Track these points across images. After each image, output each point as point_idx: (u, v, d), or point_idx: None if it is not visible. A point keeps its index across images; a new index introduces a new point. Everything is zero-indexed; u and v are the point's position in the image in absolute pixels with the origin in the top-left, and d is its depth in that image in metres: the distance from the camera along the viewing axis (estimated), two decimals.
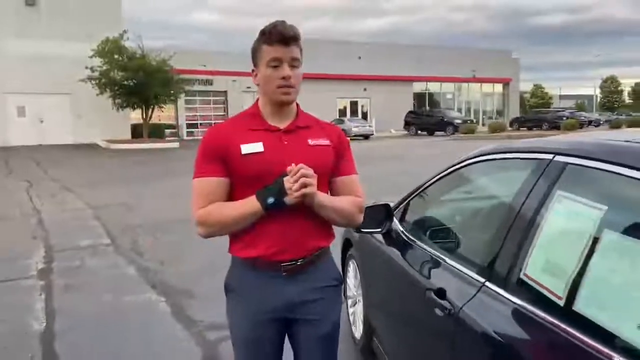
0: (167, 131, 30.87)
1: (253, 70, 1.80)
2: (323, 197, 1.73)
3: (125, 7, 28.96)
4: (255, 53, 1.76)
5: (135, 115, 28.27)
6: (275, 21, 1.73)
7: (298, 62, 1.75)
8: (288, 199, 1.65)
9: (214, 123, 34.13)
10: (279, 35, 1.69)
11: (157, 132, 28.48)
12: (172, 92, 25.99)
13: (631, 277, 1.24)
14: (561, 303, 1.38)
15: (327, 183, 1.82)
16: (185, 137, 32.07)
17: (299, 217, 1.72)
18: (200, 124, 34.62)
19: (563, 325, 1.34)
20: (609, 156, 1.43)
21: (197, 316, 4.12)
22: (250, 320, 1.83)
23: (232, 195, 1.77)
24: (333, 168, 1.82)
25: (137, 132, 27.81)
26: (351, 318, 3.58)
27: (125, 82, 24.56)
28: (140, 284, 5.01)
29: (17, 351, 3.56)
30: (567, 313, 1.34)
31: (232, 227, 1.76)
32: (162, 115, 30.49)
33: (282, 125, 1.79)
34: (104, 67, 24.14)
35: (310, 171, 1.65)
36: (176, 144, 25.34)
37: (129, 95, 24.87)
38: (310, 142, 1.78)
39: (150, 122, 27.18)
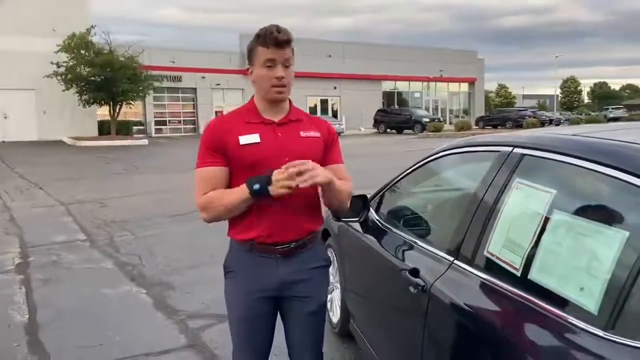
0: (135, 128, 30.53)
1: (248, 68, 1.97)
2: (330, 174, 1.89)
3: (93, 1, 28.40)
4: (251, 53, 1.94)
5: (102, 112, 27.87)
6: (270, 25, 1.90)
7: (290, 64, 1.93)
8: (271, 189, 1.81)
9: (183, 120, 33.95)
10: (273, 40, 1.86)
11: (124, 129, 28.15)
12: (140, 88, 25.72)
13: (575, 249, 1.47)
14: (518, 274, 1.61)
15: None
16: (153, 134, 31.77)
17: (291, 203, 1.91)
18: (169, 121, 34.33)
19: (520, 292, 1.57)
20: (558, 148, 1.67)
21: (179, 306, 4.26)
22: (246, 299, 2.00)
23: (231, 182, 1.95)
24: (323, 157, 2.01)
25: (104, 129, 27.42)
26: (328, 304, 3.78)
27: (92, 78, 24.20)
28: (119, 277, 5.10)
29: (3, 340, 3.63)
30: (523, 282, 1.58)
31: (230, 212, 1.93)
32: (128, 112, 30.14)
33: (276, 119, 1.97)
34: (71, 63, 23.73)
35: (310, 164, 1.79)
36: (145, 141, 25.11)
37: (96, 92, 24.51)
38: (302, 134, 1.97)
39: (118, 119, 26.84)
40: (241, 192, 1.86)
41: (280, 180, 1.77)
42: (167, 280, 4.95)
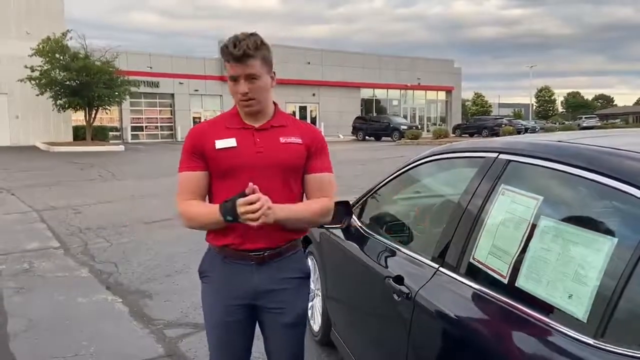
0: (111, 134, 30.09)
1: None
2: (282, 214, 1.83)
3: (67, 6, 27.93)
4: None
5: (77, 117, 27.39)
6: (231, 37, 1.81)
7: (256, 76, 1.81)
8: (243, 222, 1.76)
9: (160, 126, 33.66)
10: (228, 55, 1.79)
11: (100, 134, 27.71)
12: (116, 93, 25.34)
13: (563, 256, 1.46)
14: (505, 281, 1.59)
15: (300, 179, 1.97)
16: (129, 140, 31.35)
17: None
18: (146, 126, 33.93)
19: (507, 300, 1.55)
20: (545, 154, 1.67)
21: (155, 315, 4.17)
22: (220, 305, 1.97)
23: (210, 185, 1.93)
24: (305, 165, 1.96)
25: (79, 134, 26.95)
26: (309, 312, 3.73)
27: (68, 83, 23.74)
28: (94, 285, 4.97)
29: None
30: (511, 289, 1.56)
31: (205, 228, 1.94)
32: (104, 117, 29.73)
33: (258, 124, 1.93)
34: (45, 67, 23.28)
35: (265, 202, 1.73)
36: (121, 147, 24.72)
37: (71, 96, 24.05)
38: (282, 139, 1.91)
39: (93, 124, 26.40)
40: (215, 216, 1.82)
41: (245, 214, 1.73)
42: (144, 288, 4.84)
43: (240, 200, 1.73)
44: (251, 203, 1.72)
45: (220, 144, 1.87)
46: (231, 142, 1.87)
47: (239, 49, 1.76)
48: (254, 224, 1.73)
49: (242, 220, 1.75)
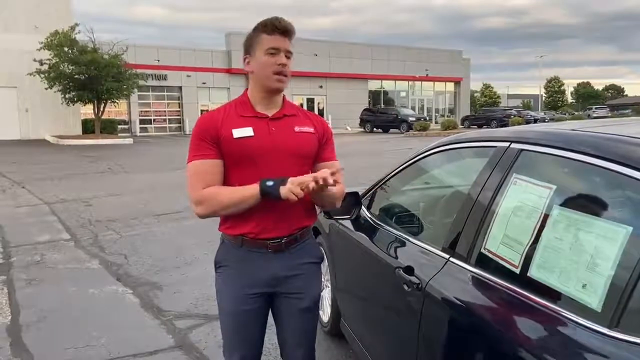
0: (119, 127, 30.20)
1: (245, 58, 1.93)
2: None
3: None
4: (251, 42, 1.90)
5: (86, 111, 27.49)
6: (274, 16, 1.89)
7: (291, 55, 1.91)
8: (283, 192, 1.76)
9: (168, 119, 33.66)
10: (279, 26, 1.86)
11: (109, 127, 27.82)
12: (125, 87, 25.38)
13: (576, 245, 1.44)
14: (517, 271, 1.58)
15: (311, 167, 1.99)
16: (138, 133, 31.46)
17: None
18: (154, 119, 34.02)
19: (519, 290, 1.54)
20: (558, 143, 1.65)
21: (166, 306, 4.19)
22: (237, 294, 1.97)
23: (225, 175, 1.91)
24: (316, 154, 1.99)
25: (88, 127, 27.06)
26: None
27: (76, 76, 23.81)
28: (105, 276, 5.01)
29: None
30: (523, 279, 1.55)
31: (228, 209, 1.88)
32: (113, 110, 29.81)
33: (270, 113, 1.94)
34: (54, 61, 23.36)
35: (310, 182, 1.75)
36: (130, 140, 24.82)
37: (80, 90, 24.13)
38: (296, 129, 1.95)
39: (102, 117, 26.50)
40: (248, 189, 1.81)
41: (296, 184, 1.74)
42: (154, 279, 4.87)
43: (297, 180, 1.75)
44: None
45: (237, 132, 1.87)
46: (248, 132, 1.88)
47: (284, 23, 1.87)
48: (294, 197, 1.74)
49: (286, 191, 1.74)
